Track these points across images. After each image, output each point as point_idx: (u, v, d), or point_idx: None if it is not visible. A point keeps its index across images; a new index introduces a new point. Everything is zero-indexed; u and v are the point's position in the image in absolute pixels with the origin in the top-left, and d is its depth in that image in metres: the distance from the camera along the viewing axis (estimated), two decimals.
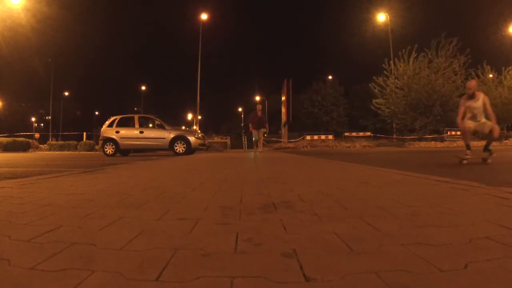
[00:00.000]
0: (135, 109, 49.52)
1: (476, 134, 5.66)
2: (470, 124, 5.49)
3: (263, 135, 13.96)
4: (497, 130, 5.23)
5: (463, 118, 5.54)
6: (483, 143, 5.61)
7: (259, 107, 13.53)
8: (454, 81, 21.88)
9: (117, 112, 13.28)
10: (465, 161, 5.14)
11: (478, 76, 26.60)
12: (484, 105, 5.38)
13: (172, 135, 11.60)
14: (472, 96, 5.45)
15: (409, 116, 23.47)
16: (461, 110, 5.57)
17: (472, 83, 5.51)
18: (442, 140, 22.20)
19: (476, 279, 0.67)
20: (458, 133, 26.25)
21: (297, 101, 43.34)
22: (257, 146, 13.78)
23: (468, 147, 5.45)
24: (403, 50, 22.63)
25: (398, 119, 24.34)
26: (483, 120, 5.40)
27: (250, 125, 13.49)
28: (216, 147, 22.80)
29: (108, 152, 11.76)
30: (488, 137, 5.35)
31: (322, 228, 1.06)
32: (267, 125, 13.79)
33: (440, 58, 21.86)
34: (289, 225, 1.11)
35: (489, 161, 5.13)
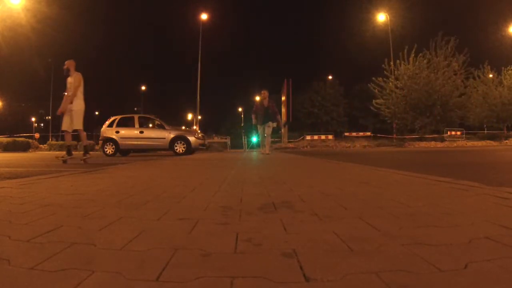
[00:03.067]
0: (135, 109, 49.51)
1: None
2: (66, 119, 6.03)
3: (272, 130, 9.79)
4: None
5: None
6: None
7: (264, 93, 9.70)
8: (454, 81, 21.90)
9: (117, 112, 13.28)
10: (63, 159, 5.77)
11: (478, 76, 26.60)
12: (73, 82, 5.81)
13: (172, 135, 11.61)
14: (67, 73, 5.79)
15: (409, 116, 23.48)
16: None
17: (67, 63, 5.85)
18: (442, 140, 22.20)
19: (476, 279, 0.67)
20: (458, 133, 26.29)
21: (297, 101, 43.36)
22: (264, 146, 10.04)
23: (68, 150, 6.14)
24: (402, 52, 22.66)
25: (398, 119, 24.36)
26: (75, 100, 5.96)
27: (253, 117, 9.91)
28: (216, 147, 22.81)
29: (108, 152, 11.77)
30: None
31: (322, 228, 1.06)
32: (279, 117, 9.91)
33: (438, 58, 21.89)
34: (289, 225, 1.11)
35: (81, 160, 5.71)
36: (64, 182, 2.39)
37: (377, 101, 24.36)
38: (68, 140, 6.38)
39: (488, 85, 26.80)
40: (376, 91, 24.06)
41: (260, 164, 4.91)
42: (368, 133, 31.81)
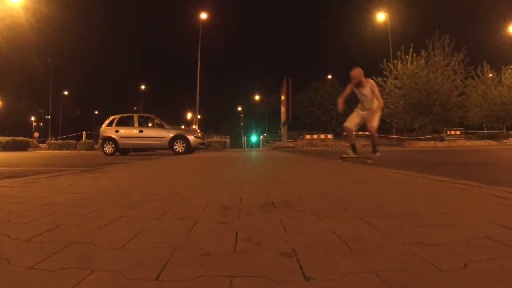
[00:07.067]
0: (135, 108, 49.51)
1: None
2: (354, 118, 5.75)
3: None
4: (373, 124, 5.49)
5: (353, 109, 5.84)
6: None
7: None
8: (453, 80, 21.93)
9: (116, 111, 13.29)
10: (340, 160, 5.51)
11: (477, 76, 26.61)
12: (372, 92, 5.46)
13: (171, 134, 11.60)
14: (359, 84, 5.53)
15: (408, 115, 23.50)
16: (346, 92, 5.76)
17: (355, 72, 5.50)
18: (442, 139, 22.21)
19: (475, 279, 0.67)
20: (458, 132, 26.30)
21: (296, 100, 43.34)
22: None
23: (353, 148, 5.81)
24: (400, 52, 22.68)
25: (397, 118, 24.38)
26: (372, 108, 5.57)
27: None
28: (216, 146, 22.80)
29: (107, 151, 11.76)
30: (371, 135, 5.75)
31: (321, 228, 1.06)
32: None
33: (437, 57, 21.92)
34: (289, 224, 1.11)
35: (369, 161, 5.26)
36: (63, 182, 2.39)
37: None
38: (352, 139, 6.00)
39: (487, 84, 26.79)
40: None
41: (259, 163, 4.90)
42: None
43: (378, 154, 5.65)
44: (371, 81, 5.54)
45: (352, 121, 5.80)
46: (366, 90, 5.45)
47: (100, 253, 0.84)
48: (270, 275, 0.70)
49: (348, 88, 5.71)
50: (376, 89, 5.52)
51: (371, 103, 5.54)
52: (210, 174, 3.03)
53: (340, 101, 5.85)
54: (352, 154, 5.76)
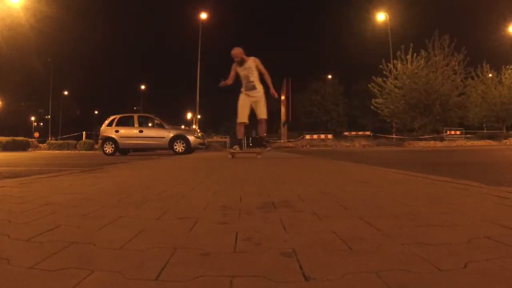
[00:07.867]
0: (135, 108, 49.56)
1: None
2: (245, 111, 6.08)
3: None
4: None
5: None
6: None
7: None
8: (453, 80, 21.94)
9: (116, 111, 13.30)
10: (230, 155, 6.10)
11: (477, 76, 26.61)
12: (257, 67, 5.96)
13: (171, 134, 11.61)
14: (242, 62, 5.96)
15: (408, 115, 23.53)
16: (231, 72, 6.11)
17: (236, 50, 5.95)
18: (442, 139, 22.21)
19: (475, 279, 0.67)
20: (458, 132, 26.31)
21: (296, 100, 43.29)
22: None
23: (239, 142, 6.35)
24: (400, 52, 22.70)
25: (397, 118, 24.40)
26: (258, 85, 6.02)
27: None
28: (216, 146, 22.80)
29: (107, 151, 11.77)
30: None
31: (321, 228, 1.06)
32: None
33: (437, 57, 21.96)
34: (289, 224, 1.11)
35: (258, 156, 5.90)
36: (63, 182, 2.39)
37: (377, 100, 24.40)
38: (241, 133, 6.38)
39: (487, 84, 26.79)
40: (376, 90, 24.09)
41: (259, 163, 4.90)
42: (368, 133, 31.75)
43: (268, 149, 6.36)
44: (253, 57, 6.02)
45: (244, 115, 6.15)
46: (249, 63, 5.94)
47: (100, 253, 0.84)
48: (270, 275, 0.70)
49: (233, 68, 6.09)
50: (261, 64, 5.98)
51: (255, 76, 6.00)
52: (210, 174, 3.03)
53: (224, 82, 6.24)
54: (238, 150, 6.34)
